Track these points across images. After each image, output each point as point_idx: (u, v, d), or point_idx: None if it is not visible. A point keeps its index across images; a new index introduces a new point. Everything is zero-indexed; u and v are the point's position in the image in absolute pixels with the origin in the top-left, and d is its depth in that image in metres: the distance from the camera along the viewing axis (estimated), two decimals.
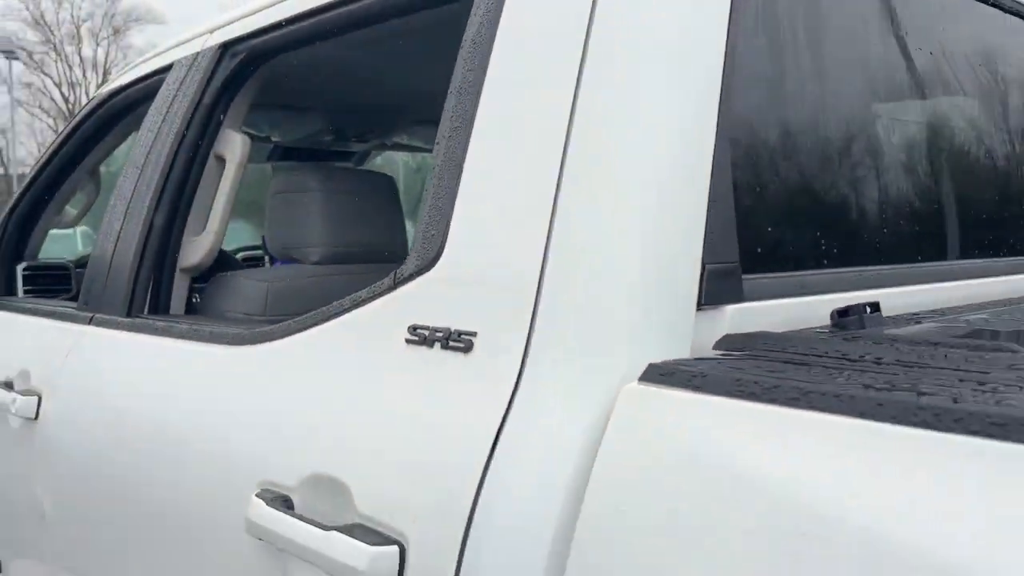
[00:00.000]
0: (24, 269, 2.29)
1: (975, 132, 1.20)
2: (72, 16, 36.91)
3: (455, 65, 1.00)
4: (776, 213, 0.93)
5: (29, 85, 37.37)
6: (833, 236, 0.96)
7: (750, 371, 0.68)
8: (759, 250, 0.89)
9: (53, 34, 37.31)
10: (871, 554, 0.53)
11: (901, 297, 0.95)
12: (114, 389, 1.41)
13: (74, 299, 2.03)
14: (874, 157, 1.02)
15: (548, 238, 0.82)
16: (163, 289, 1.59)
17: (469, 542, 0.75)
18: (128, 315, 1.52)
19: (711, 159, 0.81)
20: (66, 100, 35.26)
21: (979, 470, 0.53)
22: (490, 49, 0.95)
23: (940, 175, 1.13)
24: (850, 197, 1.00)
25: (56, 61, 36.84)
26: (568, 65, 0.86)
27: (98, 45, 37.75)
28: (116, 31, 38.15)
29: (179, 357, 1.28)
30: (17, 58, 29.65)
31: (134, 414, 1.31)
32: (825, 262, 0.94)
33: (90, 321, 1.61)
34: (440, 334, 0.88)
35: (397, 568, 0.79)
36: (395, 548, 0.80)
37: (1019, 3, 1.24)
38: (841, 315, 0.85)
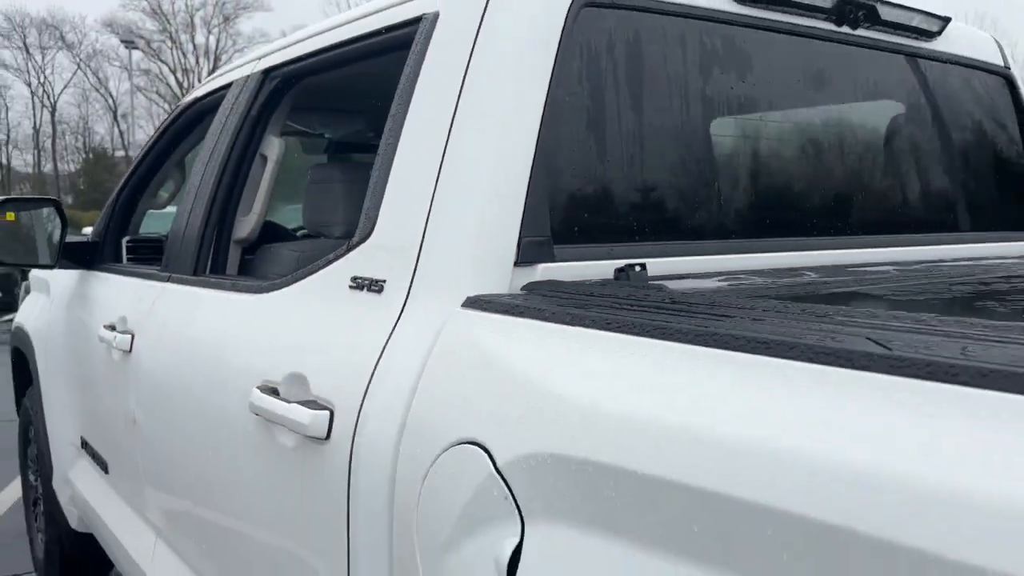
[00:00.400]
0: (127, 241, 2.88)
1: (732, 145, 1.58)
2: (186, 5, 38.84)
3: (393, 99, 1.46)
4: (582, 205, 1.36)
5: (147, 72, 39.61)
6: (624, 222, 1.39)
7: (519, 299, 1.13)
8: (575, 229, 1.34)
9: (169, 23, 39.30)
10: (575, 407, 0.96)
11: (676, 264, 1.37)
12: (181, 326, 1.95)
13: None
14: (650, 167, 1.44)
15: (427, 221, 1.29)
16: (220, 255, 2.12)
17: (365, 402, 1.23)
18: (194, 274, 2.06)
19: (529, 172, 1.26)
20: (180, 85, 37.20)
21: (620, 349, 0.96)
22: (412, 94, 1.42)
23: (700, 178, 1.52)
24: (635, 195, 1.42)
25: (171, 49, 38.90)
26: (447, 112, 1.32)
27: (210, 33, 39.63)
28: (226, 19, 39.95)
29: (222, 302, 1.80)
30: (136, 47, 31.52)
31: (193, 343, 1.84)
32: (618, 238, 1.37)
33: (168, 279, 2.16)
34: (366, 282, 1.36)
35: (328, 423, 1.28)
36: (327, 412, 1.29)
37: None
38: (619, 272, 1.29)
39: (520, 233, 1.25)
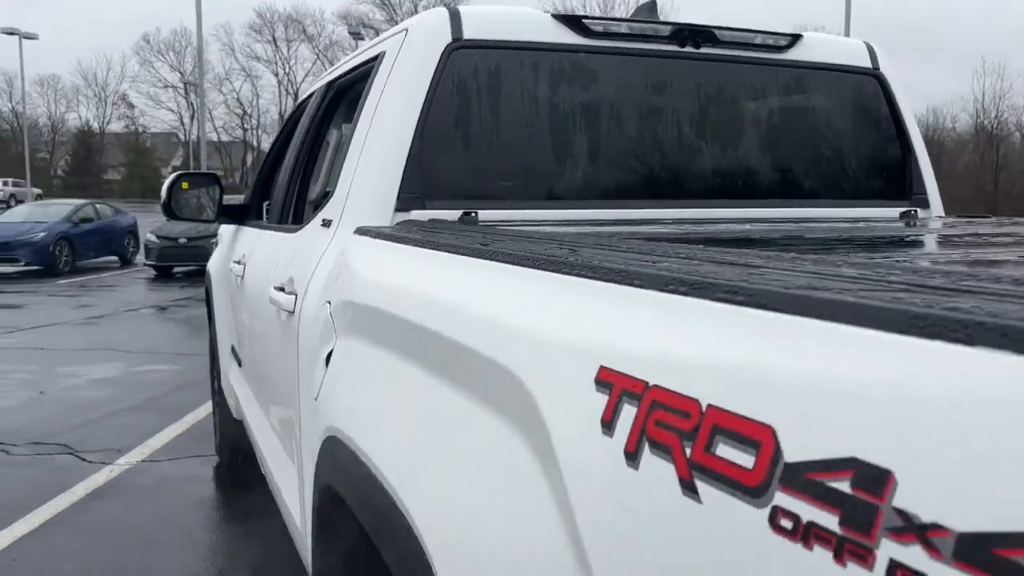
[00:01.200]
0: (266, 205, 3.94)
1: (560, 139, 2.27)
2: None
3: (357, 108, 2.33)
4: (447, 176, 2.16)
5: None
6: (474, 188, 2.16)
7: (385, 230, 1.96)
8: (442, 190, 2.14)
9: (395, 13, 42.25)
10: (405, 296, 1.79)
11: (507, 215, 2.13)
12: (259, 257, 2.93)
13: None
14: (496, 154, 2.19)
15: (351, 183, 2.15)
16: (299, 212, 3.09)
17: (307, 290, 2.11)
18: (278, 223, 3.04)
19: (407, 153, 2.08)
20: None
21: (407, 252, 1.77)
22: (364, 103, 2.27)
23: (534, 161, 2.25)
24: (484, 171, 2.18)
25: None
26: (371, 115, 2.16)
27: None
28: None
29: (276, 239, 2.76)
30: (362, 38, 34.31)
31: (259, 266, 2.82)
32: (469, 197, 2.15)
33: (266, 227, 3.16)
34: (326, 221, 2.24)
35: (294, 303, 2.17)
36: (294, 296, 2.18)
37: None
38: (461, 217, 2.08)
39: (399, 191, 2.08)
